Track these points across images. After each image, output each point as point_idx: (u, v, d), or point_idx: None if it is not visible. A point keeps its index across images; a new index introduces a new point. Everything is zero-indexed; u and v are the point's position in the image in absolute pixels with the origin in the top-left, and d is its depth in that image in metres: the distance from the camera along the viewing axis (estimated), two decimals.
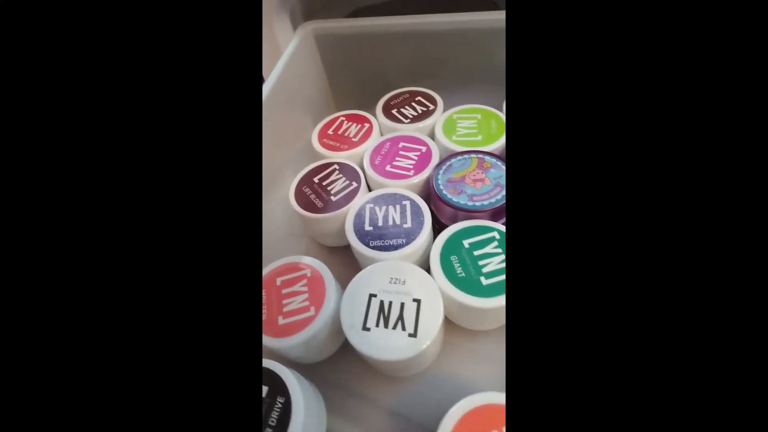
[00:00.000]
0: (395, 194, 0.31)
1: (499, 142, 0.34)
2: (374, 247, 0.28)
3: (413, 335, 0.23)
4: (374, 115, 0.39)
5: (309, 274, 0.27)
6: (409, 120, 0.38)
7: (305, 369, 0.27)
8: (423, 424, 0.26)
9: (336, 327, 0.25)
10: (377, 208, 0.30)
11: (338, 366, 0.28)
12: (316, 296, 0.25)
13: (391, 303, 0.25)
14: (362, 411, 0.27)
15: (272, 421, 0.20)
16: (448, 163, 0.32)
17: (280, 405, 0.21)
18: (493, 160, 0.32)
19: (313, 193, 0.32)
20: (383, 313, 0.24)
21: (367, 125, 0.38)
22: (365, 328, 0.24)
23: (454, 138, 0.35)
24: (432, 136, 0.36)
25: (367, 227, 0.29)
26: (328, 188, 0.32)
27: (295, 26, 0.45)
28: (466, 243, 0.27)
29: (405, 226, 0.29)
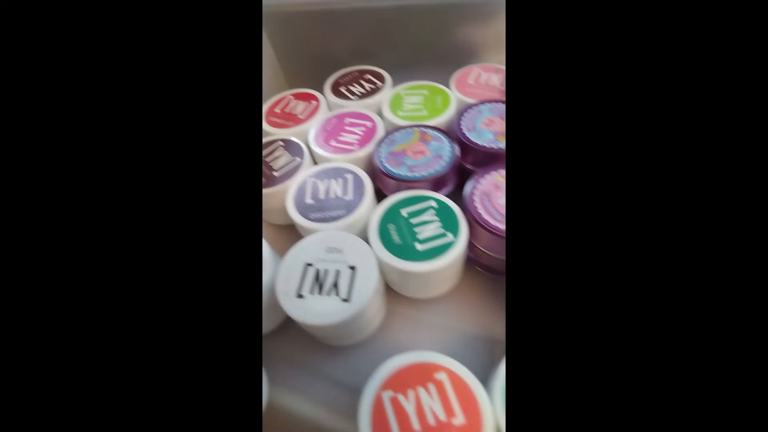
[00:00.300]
0: (338, 168, 0.31)
1: (443, 116, 0.34)
2: (315, 220, 0.28)
3: (347, 300, 0.23)
4: (324, 93, 0.39)
5: None
6: (357, 97, 0.38)
7: None
8: None
9: (275, 298, 0.25)
10: (319, 182, 0.30)
11: (282, 339, 0.28)
12: None
13: (326, 271, 0.25)
14: (307, 382, 0.27)
15: None
16: (391, 137, 0.33)
17: None
18: (435, 133, 0.32)
19: None
20: (318, 280, 0.24)
21: (314, 103, 0.38)
22: (299, 296, 0.24)
23: (400, 113, 0.35)
24: (380, 112, 0.37)
25: (308, 200, 0.29)
26: (272, 164, 0.32)
27: None
28: (404, 212, 0.28)
29: (346, 198, 0.29)
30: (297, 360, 0.28)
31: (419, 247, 0.25)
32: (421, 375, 0.20)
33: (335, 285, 0.24)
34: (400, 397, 0.20)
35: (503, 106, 0.33)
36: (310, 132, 0.35)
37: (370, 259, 0.25)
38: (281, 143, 0.34)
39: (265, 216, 0.35)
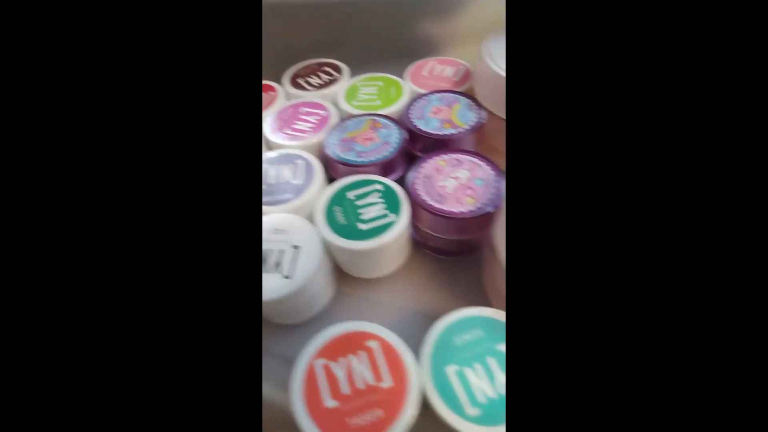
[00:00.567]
0: (290, 154, 0.32)
1: (396, 106, 0.35)
2: (264, 204, 0.29)
3: (288, 277, 0.24)
4: (282, 85, 0.40)
5: None
6: (314, 88, 0.39)
7: None
8: None
9: None
10: (271, 168, 0.31)
11: None
12: None
13: (270, 250, 0.26)
14: None
15: None
16: (343, 125, 0.34)
17: None
18: (386, 121, 0.33)
19: None
20: (262, 259, 0.25)
21: (272, 94, 0.39)
22: None
23: (354, 103, 0.37)
24: (336, 103, 0.38)
25: None
26: None
27: None
28: (350, 195, 0.29)
29: (295, 182, 0.30)
30: None
31: (362, 227, 0.26)
32: (353, 343, 0.21)
33: (278, 263, 0.25)
34: (332, 365, 0.21)
35: (452, 96, 0.34)
36: (265, 121, 0.36)
37: (313, 239, 0.26)
38: None
39: None
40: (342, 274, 0.30)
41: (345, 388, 0.20)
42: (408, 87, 0.37)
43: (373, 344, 0.21)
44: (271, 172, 0.31)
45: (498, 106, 0.31)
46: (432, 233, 0.29)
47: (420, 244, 0.31)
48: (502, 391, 0.19)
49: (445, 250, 0.30)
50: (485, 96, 0.32)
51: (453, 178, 0.27)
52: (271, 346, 0.28)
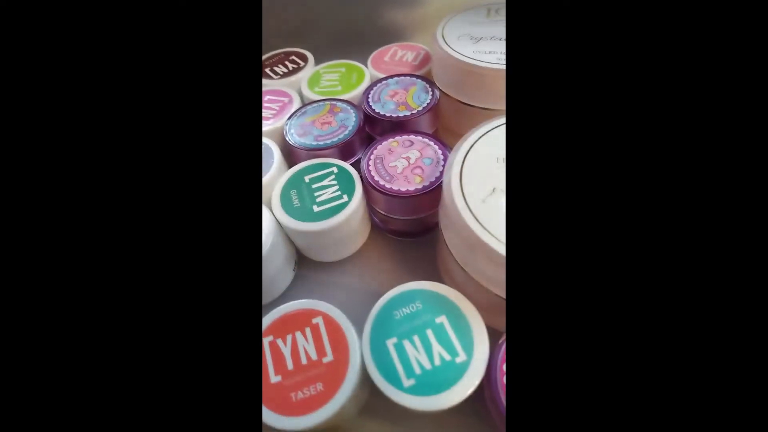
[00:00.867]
0: None
1: (356, 91, 0.36)
2: None
3: None
4: None
5: None
6: (279, 76, 0.39)
7: None
8: None
9: None
10: None
11: None
12: None
13: None
14: None
15: None
16: (302, 110, 0.34)
17: None
18: (344, 105, 0.34)
19: None
20: None
21: None
22: None
23: (317, 89, 0.37)
24: (300, 90, 0.38)
25: None
26: None
27: None
28: (307, 178, 0.29)
29: None
30: None
31: (316, 209, 0.27)
32: (299, 320, 0.22)
33: None
34: (279, 341, 0.21)
35: (409, 79, 0.35)
36: None
37: (269, 222, 0.26)
38: None
39: None
40: (304, 259, 0.31)
41: (289, 364, 0.21)
42: (369, 73, 0.38)
43: (318, 321, 0.22)
44: None
45: (452, 87, 0.31)
46: (387, 214, 0.29)
47: (380, 227, 0.31)
48: (438, 362, 0.20)
49: (403, 232, 0.31)
50: (440, 78, 0.33)
51: (404, 158, 0.28)
52: None
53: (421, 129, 0.31)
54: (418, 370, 0.19)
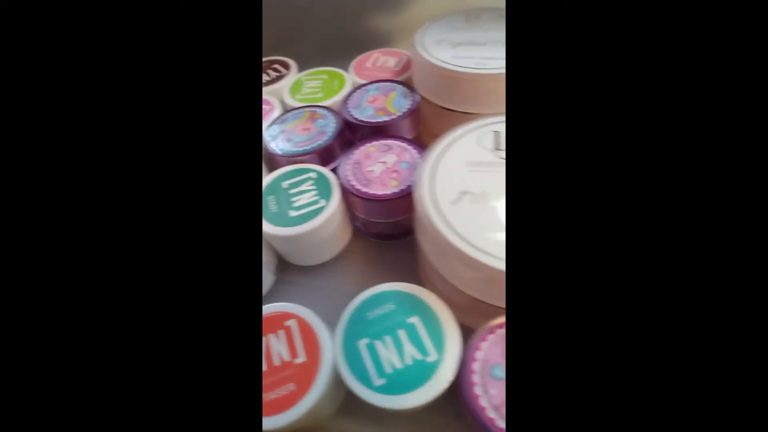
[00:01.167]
0: None
1: (337, 97, 0.36)
2: None
3: None
4: None
5: None
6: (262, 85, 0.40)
7: None
8: None
9: None
10: None
11: None
12: None
13: None
14: None
15: None
16: (283, 118, 0.34)
17: None
18: (324, 111, 0.34)
19: None
20: None
21: None
22: None
23: (298, 96, 0.37)
24: (281, 98, 0.38)
25: None
26: None
27: None
28: (285, 184, 0.29)
29: None
30: None
31: (293, 213, 0.27)
32: (274, 323, 0.22)
33: None
34: None
35: (389, 84, 0.35)
36: None
37: None
38: None
39: None
40: (286, 263, 0.31)
41: (263, 366, 0.21)
42: (351, 79, 0.38)
43: (291, 323, 0.22)
44: None
45: (432, 92, 0.32)
46: (367, 218, 0.29)
47: (362, 231, 0.32)
48: (410, 361, 0.20)
49: (384, 235, 0.31)
50: (420, 83, 0.33)
51: (381, 162, 0.28)
52: None
53: (402, 134, 0.32)
54: (389, 370, 0.20)
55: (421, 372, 0.19)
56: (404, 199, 0.26)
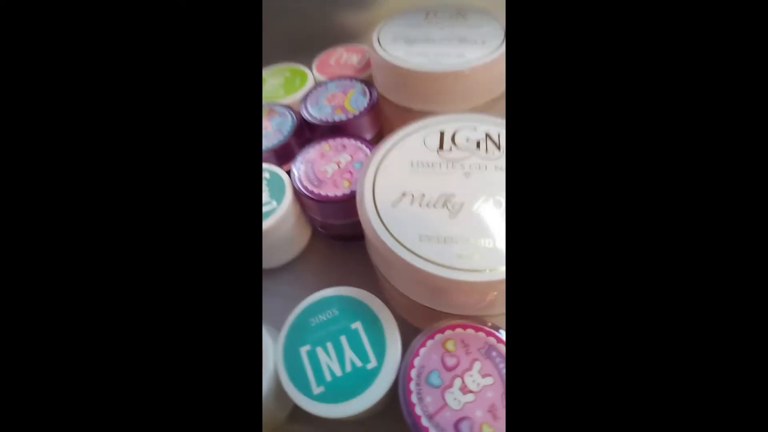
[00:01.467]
0: None
1: (297, 94, 0.35)
2: None
3: None
4: None
5: None
6: None
7: None
8: None
9: None
10: None
11: None
12: None
13: None
14: None
15: None
16: None
17: None
18: (282, 109, 0.33)
19: None
20: None
21: None
22: None
23: None
24: None
25: None
26: None
27: None
28: None
29: None
30: None
31: None
32: None
33: None
34: None
35: (348, 82, 0.35)
36: None
37: None
38: None
39: None
40: None
41: None
42: (313, 76, 0.37)
43: None
44: None
45: (387, 89, 0.31)
46: (323, 220, 0.29)
47: (321, 234, 0.31)
48: (349, 368, 0.20)
49: (344, 236, 0.31)
50: (377, 81, 0.33)
51: (335, 162, 0.28)
52: None
53: (360, 132, 0.31)
54: (328, 377, 0.19)
55: (361, 379, 0.19)
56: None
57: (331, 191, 0.26)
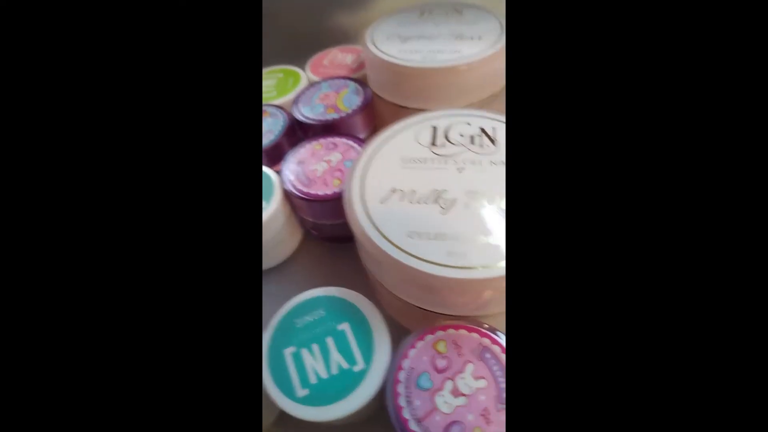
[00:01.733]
0: None
1: (290, 95, 0.35)
2: None
3: None
4: None
5: None
6: None
7: None
8: None
9: None
10: None
11: None
12: None
13: None
14: None
15: None
16: None
17: None
18: (274, 110, 0.33)
19: None
20: None
21: None
22: None
23: None
24: None
25: None
26: None
27: None
28: None
29: None
30: None
31: None
32: None
33: None
34: None
35: (341, 81, 0.34)
36: None
37: None
38: None
39: None
40: None
41: None
42: (306, 77, 0.37)
43: None
44: None
45: (381, 88, 0.31)
46: (315, 220, 0.28)
47: (315, 236, 0.30)
48: (335, 370, 0.19)
49: (336, 237, 0.30)
50: (371, 80, 0.32)
51: (325, 161, 0.27)
52: None
53: (353, 132, 0.31)
54: (313, 380, 0.18)
55: (347, 382, 0.18)
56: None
57: (321, 190, 0.25)
